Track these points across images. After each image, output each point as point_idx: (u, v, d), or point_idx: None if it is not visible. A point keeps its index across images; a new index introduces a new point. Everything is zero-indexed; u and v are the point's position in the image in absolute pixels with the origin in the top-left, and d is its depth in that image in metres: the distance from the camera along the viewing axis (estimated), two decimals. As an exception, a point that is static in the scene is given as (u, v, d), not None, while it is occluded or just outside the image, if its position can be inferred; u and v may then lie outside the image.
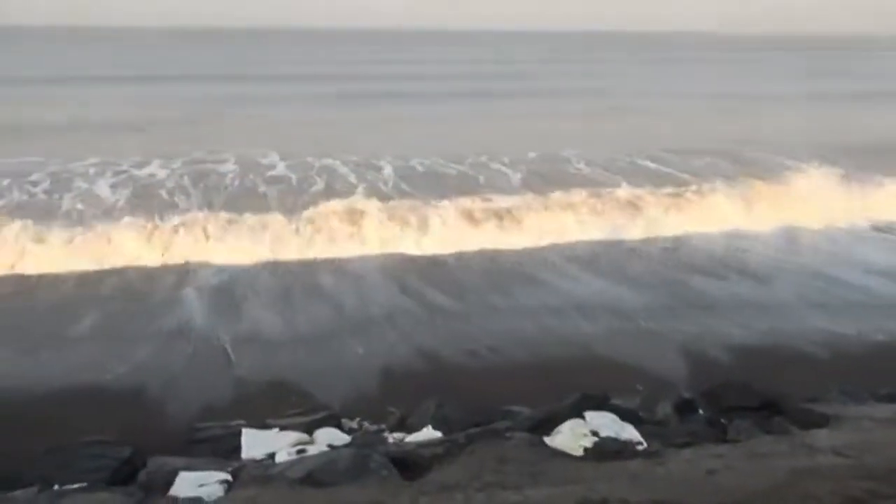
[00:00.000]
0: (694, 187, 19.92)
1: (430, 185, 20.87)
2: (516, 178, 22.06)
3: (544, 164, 24.34)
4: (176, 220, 16.01)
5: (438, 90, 48.75)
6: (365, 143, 27.51)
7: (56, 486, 6.62)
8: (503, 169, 23.35)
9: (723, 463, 6.23)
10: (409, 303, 12.73)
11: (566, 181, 21.17)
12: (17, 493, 6.45)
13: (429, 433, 7.47)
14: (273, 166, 23.54)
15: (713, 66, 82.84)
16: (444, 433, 7.40)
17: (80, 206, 17.96)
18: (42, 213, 17.04)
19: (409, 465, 6.59)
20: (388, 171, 23.00)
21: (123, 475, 6.90)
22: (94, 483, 6.61)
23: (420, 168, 23.61)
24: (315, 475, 6.16)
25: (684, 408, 8.17)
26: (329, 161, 24.38)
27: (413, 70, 69.26)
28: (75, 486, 6.55)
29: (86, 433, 7.65)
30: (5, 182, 20.05)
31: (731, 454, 6.43)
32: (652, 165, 24.38)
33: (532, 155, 25.57)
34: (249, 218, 16.25)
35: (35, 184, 20.13)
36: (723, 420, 7.76)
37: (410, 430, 7.80)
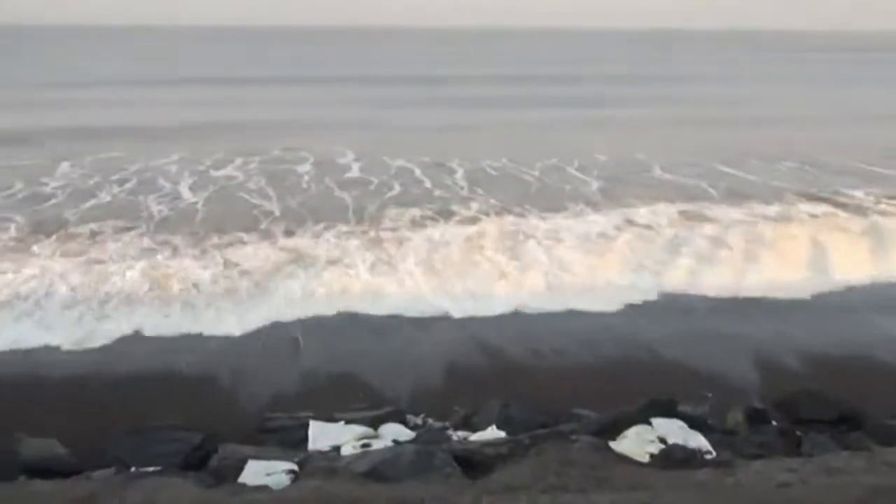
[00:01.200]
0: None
1: (511, 190, 20.69)
2: (595, 185, 21.60)
3: (618, 169, 23.94)
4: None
5: (510, 94, 48.39)
6: (435, 146, 27.69)
7: (132, 468, 6.89)
8: (578, 174, 23.05)
9: (796, 477, 6.01)
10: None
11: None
12: (97, 473, 6.74)
13: (493, 433, 7.45)
14: (349, 167, 23.83)
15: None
16: (508, 433, 7.38)
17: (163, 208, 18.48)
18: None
19: (472, 463, 6.59)
20: (459, 174, 23.05)
21: (195, 460, 7.15)
22: (168, 467, 6.86)
23: (492, 172, 23.55)
24: (379, 469, 6.23)
25: (756, 417, 7.93)
26: (402, 162, 24.61)
27: (497, 71, 68.84)
28: (150, 468, 6.81)
29: (161, 418, 7.95)
30: (93, 180, 20.93)
31: (805, 468, 6.20)
32: (734, 172, 23.74)
33: (602, 159, 25.23)
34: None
35: (122, 182, 20.97)
36: (797, 432, 7.51)
37: (475, 429, 7.80)
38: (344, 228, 16.37)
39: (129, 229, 16.11)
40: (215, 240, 15.45)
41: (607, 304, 12.79)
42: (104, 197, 19.39)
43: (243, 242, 15.37)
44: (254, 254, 14.64)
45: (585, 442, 6.60)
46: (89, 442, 7.54)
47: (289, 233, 16.01)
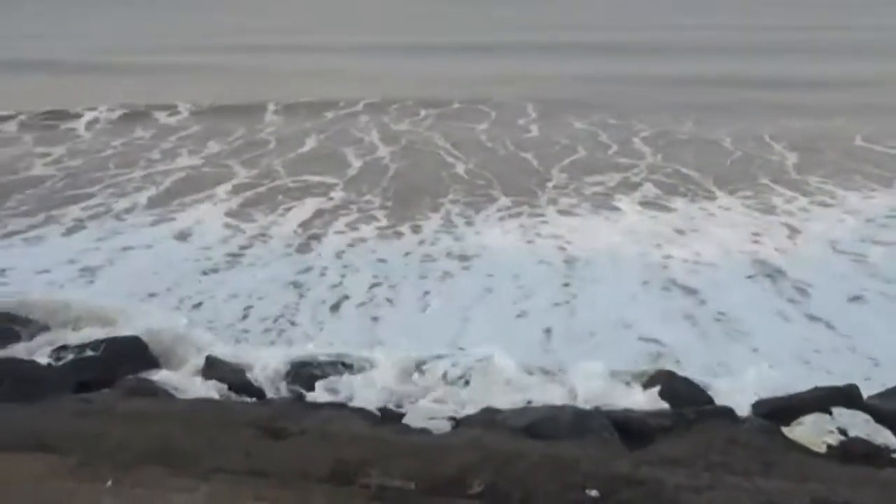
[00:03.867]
0: None
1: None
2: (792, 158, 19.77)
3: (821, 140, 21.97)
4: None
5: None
6: (615, 107, 26.96)
7: (308, 399, 7.41)
8: (771, 143, 21.45)
9: None
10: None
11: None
12: (277, 399, 7.33)
13: (656, 403, 7.26)
14: (528, 129, 23.76)
15: None
16: (671, 406, 7.16)
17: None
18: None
19: (632, 431, 6.48)
20: (643, 136, 22.33)
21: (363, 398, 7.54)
22: (339, 400, 7.32)
23: (682, 137, 22.54)
24: (536, 426, 6.28)
25: (959, 419, 7.12)
26: (581, 125, 24.22)
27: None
28: (323, 401, 7.30)
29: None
30: (297, 128, 22.26)
31: None
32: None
33: (798, 126, 23.31)
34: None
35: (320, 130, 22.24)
36: None
37: (637, 398, 7.61)
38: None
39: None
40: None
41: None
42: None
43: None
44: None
45: (755, 424, 6.28)
46: (271, 371, 8.17)
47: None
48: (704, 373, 8.11)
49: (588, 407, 6.93)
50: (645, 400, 7.35)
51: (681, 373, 7.91)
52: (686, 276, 11.75)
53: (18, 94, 28.40)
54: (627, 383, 7.85)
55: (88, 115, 24.47)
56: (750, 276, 11.72)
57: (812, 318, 10.20)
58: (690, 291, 11.17)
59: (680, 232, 13.94)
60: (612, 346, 9.21)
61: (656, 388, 7.58)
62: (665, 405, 7.15)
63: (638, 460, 5.67)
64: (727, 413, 6.62)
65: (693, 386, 7.65)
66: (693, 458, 5.70)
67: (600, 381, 7.89)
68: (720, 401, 7.23)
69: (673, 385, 7.56)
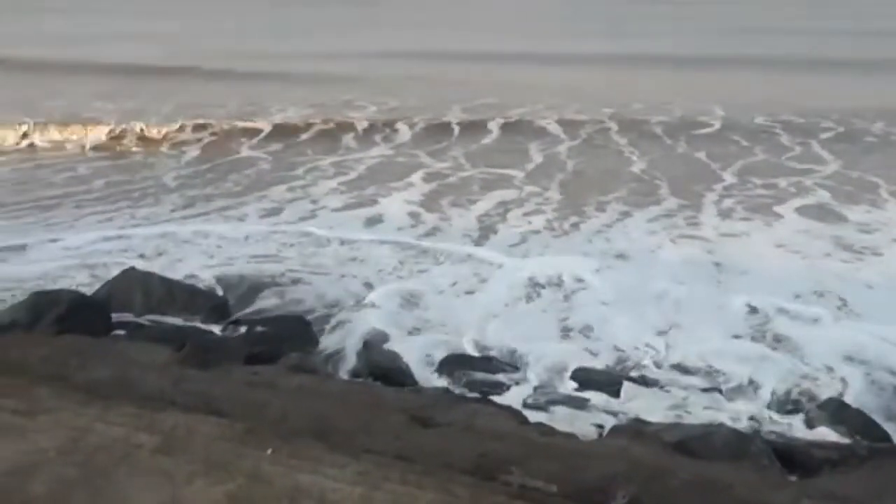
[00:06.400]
0: None
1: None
2: None
3: None
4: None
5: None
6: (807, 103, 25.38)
7: (457, 392, 7.56)
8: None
9: None
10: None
11: None
12: (426, 388, 7.53)
13: (824, 433, 6.76)
14: (709, 124, 22.94)
15: None
16: (842, 438, 6.64)
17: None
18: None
19: (794, 461, 6.09)
20: (826, 137, 20.87)
21: (511, 396, 7.58)
22: (486, 396, 7.40)
23: (870, 140, 20.84)
24: (689, 443, 6.03)
25: None
26: (762, 120, 23.05)
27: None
28: (471, 395, 7.42)
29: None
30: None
31: None
32: None
33: None
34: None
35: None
36: None
37: (803, 425, 7.12)
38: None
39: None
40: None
41: None
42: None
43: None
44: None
45: (941, 468, 5.68)
46: (424, 361, 8.39)
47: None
48: (875, 409, 7.36)
49: (746, 429, 6.57)
50: (810, 428, 6.89)
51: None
52: (849, 296, 10.48)
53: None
54: (791, 410, 7.37)
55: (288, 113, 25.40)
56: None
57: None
58: (853, 316, 9.98)
59: (847, 247, 12.52)
60: (759, 369, 8.33)
61: (824, 417, 7.08)
62: (833, 436, 6.65)
63: (799, 492, 5.29)
64: (907, 453, 6.05)
65: (867, 419, 7.04)
66: (863, 498, 5.26)
67: (760, 404, 7.47)
68: (898, 438, 6.63)
69: (843, 416, 7.00)
